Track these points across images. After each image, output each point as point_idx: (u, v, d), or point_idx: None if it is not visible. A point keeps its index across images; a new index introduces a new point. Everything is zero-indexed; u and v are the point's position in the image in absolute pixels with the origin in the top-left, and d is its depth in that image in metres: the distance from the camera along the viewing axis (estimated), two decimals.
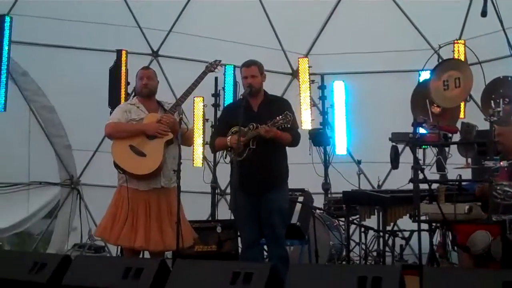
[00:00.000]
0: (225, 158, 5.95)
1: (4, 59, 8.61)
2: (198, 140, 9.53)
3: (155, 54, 10.27)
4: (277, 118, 5.61)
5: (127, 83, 8.79)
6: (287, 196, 6.09)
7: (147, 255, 6.08)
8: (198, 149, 9.56)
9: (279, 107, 5.83)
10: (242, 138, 5.64)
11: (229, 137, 5.80)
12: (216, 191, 9.54)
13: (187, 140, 5.96)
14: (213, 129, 6.00)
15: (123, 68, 8.88)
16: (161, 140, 5.81)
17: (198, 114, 9.52)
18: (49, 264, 5.00)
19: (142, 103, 6.05)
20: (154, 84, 6.16)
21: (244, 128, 5.70)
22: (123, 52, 9.02)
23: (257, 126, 5.68)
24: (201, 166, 9.55)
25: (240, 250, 6.55)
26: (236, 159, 5.67)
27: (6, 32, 8.63)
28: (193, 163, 9.51)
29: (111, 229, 5.79)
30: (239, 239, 7.67)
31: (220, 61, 6.29)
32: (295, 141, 5.93)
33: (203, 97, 9.42)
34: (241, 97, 5.97)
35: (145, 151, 5.79)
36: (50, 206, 10.12)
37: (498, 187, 5.22)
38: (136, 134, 5.85)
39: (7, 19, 8.68)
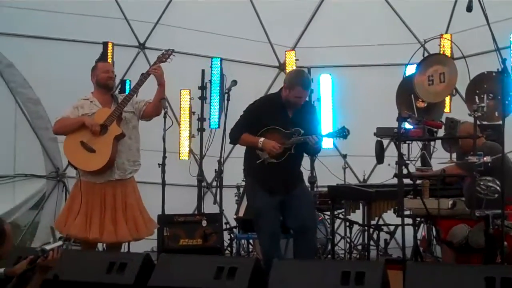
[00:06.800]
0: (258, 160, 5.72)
1: None
2: (184, 133, 9.53)
3: (142, 46, 10.21)
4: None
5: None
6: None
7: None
8: (184, 142, 9.55)
9: (311, 115, 5.87)
10: (283, 143, 5.57)
11: (262, 139, 5.60)
12: (202, 184, 9.54)
13: (157, 109, 6.08)
14: (240, 119, 5.88)
15: (110, 60, 8.88)
16: (111, 135, 5.83)
17: (184, 107, 9.51)
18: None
19: (96, 97, 6.06)
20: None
21: (286, 130, 5.64)
22: (110, 44, 9.01)
23: (303, 134, 5.59)
24: (187, 159, 9.55)
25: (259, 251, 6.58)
26: (269, 160, 5.62)
27: None
28: (180, 156, 9.51)
29: (65, 221, 5.87)
30: (224, 233, 7.69)
31: (172, 50, 6.20)
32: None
33: (189, 90, 9.42)
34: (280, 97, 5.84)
35: (95, 147, 5.80)
36: (36, 199, 10.04)
37: (482, 183, 5.26)
38: (77, 127, 5.87)
39: None
